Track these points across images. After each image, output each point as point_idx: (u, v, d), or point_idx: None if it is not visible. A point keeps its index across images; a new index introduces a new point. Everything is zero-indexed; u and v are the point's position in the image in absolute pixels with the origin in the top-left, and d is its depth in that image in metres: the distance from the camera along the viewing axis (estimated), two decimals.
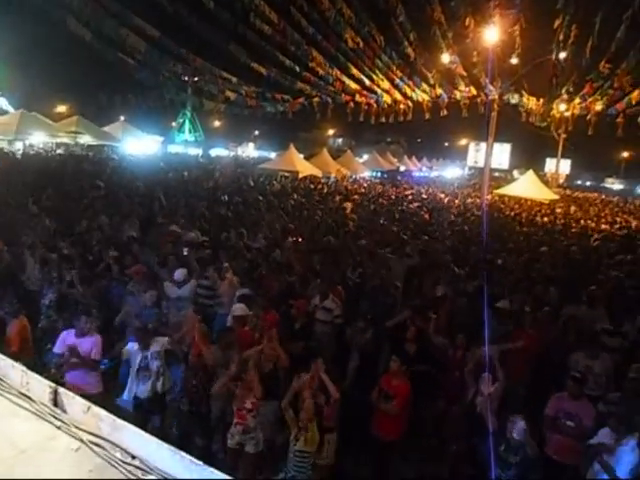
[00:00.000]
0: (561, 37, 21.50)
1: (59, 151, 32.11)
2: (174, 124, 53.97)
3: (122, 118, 39.05)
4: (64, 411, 2.09)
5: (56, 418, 2.03)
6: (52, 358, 5.86)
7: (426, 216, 19.15)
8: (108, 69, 29.33)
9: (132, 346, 5.76)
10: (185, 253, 9.03)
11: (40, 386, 2.17)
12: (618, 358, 6.38)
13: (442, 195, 31.01)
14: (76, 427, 1.99)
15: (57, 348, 5.66)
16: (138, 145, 36.34)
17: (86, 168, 22.81)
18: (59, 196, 13.88)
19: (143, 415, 5.60)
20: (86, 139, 31.93)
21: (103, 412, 2.02)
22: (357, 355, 6.26)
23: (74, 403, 2.11)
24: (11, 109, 36.28)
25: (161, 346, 5.74)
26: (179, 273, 7.52)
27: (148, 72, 23.97)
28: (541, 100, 27.05)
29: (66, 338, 5.67)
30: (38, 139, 30.55)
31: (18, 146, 29.05)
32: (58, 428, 1.99)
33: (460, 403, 5.58)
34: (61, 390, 2.14)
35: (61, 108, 40.89)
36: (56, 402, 2.13)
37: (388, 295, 8.09)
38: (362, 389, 5.62)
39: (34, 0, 17.81)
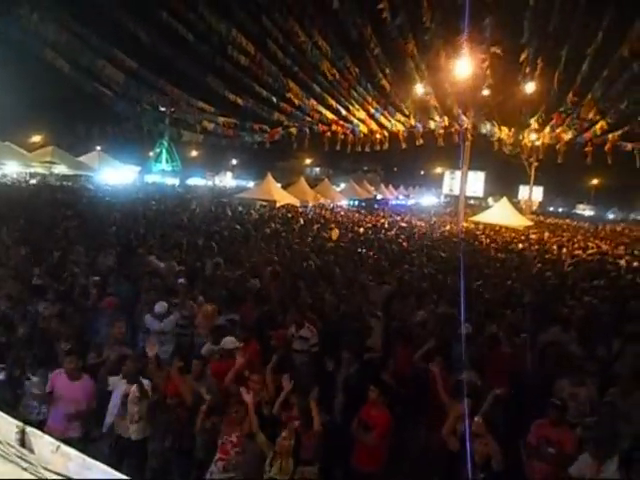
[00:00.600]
0: (527, 70, 22.33)
1: (32, 181, 31.74)
2: (151, 154, 53.91)
3: (98, 148, 38.92)
4: (31, 451, 2.02)
5: (22, 459, 1.95)
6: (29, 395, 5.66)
7: (404, 244, 19.32)
8: (85, 99, 29.27)
9: (117, 379, 5.59)
10: (181, 281, 8.84)
11: (7, 425, 2.09)
12: (595, 382, 6.42)
13: (419, 223, 31.37)
14: (43, 468, 1.92)
15: (47, 387, 5.45)
16: (115, 175, 36.14)
17: (60, 198, 22.53)
18: (32, 226, 13.64)
19: (118, 454, 5.40)
20: (61, 169, 31.67)
21: (72, 451, 1.95)
22: (342, 389, 6.11)
23: (42, 442, 2.03)
24: None
25: (144, 392, 5.45)
26: (160, 306, 7.38)
27: (126, 103, 23.97)
28: (512, 130, 27.84)
29: (56, 379, 5.43)
30: (11, 169, 30.17)
31: None
32: (24, 469, 1.92)
33: (441, 430, 5.51)
34: (29, 429, 2.07)
35: (36, 138, 40.61)
36: (23, 442, 2.05)
37: (364, 322, 8.07)
38: (346, 421, 5.53)
39: (10, 31, 17.76)
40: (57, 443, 2.02)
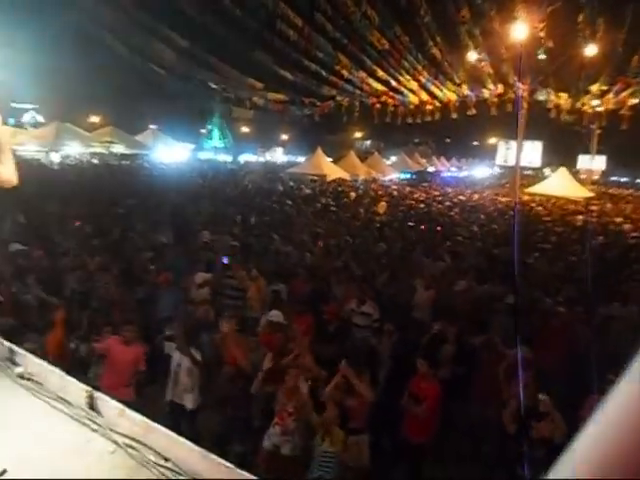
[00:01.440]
0: (587, 32, 21.08)
1: (95, 161, 32.99)
2: (203, 131, 54.78)
3: (153, 126, 39.86)
4: (99, 414, 2.17)
5: (92, 421, 2.11)
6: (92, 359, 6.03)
7: (456, 217, 18.97)
8: (140, 80, 30.00)
9: (171, 346, 5.90)
10: (225, 262, 9.08)
11: (76, 390, 2.25)
12: None
13: (473, 195, 30.59)
14: (111, 430, 2.06)
15: (100, 349, 5.79)
16: (169, 153, 36.99)
17: (120, 177, 23.36)
18: (93, 205, 14.27)
19: (174, 420, 5.63)
20: (119, 148, 32.70)
21: (137, 415, 2.09)
22: (388, 359, 6.21)
23: (109, 406, 2.18)
24: (42, 120, 37.47)
25: (197, 363, 5.71)
26: (199, 277, 7.62)
27: (178, 81, 24.43)
28: (571, 96, 26.48)
29: (111, 344, 5.78)
30: (73, 150, 31.42)
31: (53, 157, 29.94)
32: (94, 431, 2.07)
33: (494, 405, 5.48)
34: (96, 394, 2.22)
35: (94, 118, 42.00)
36: (92, 405, 2.21)
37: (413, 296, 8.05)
38: (394, 393, 5.58)
39: (68, 16, 18.36)
40: (122, 407, 2.17)
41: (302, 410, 4.98)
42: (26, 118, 38.37)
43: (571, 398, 5.36)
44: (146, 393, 6.09)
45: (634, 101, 24.99)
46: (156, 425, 2.01)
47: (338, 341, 6.52)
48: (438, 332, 6.60)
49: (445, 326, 6.68)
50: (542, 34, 22.05)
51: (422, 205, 22.38)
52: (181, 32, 22.05)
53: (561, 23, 22.00)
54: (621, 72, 23.59)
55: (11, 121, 30.55)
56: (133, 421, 2.07)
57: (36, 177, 17.07)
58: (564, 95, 26.48)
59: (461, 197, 29.10)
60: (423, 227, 15.28)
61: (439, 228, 15.26)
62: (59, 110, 34.16)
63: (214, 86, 31.60)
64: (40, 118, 38.40)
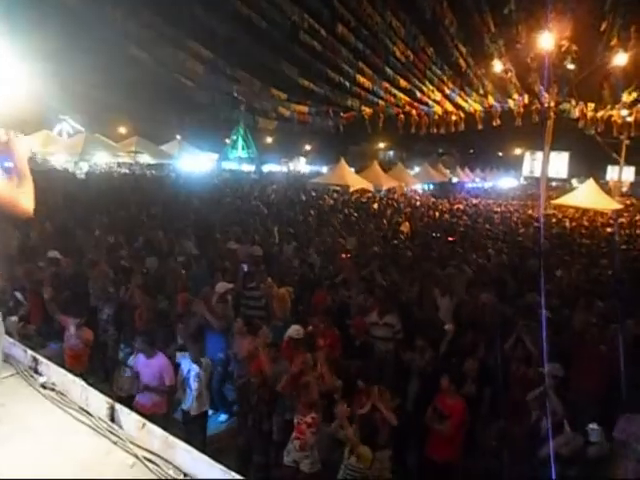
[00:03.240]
0: (613, 42, 20.80)
1: (124, 170, 33.62)
2: (228, 141, 55.40)
3: (178, 137, 40.49)
4: (120, 427, 2.15)
5: (113, 433, 2.09)
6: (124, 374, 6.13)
7: (480, 229, 18.70)
8: (166, 91, 30.54)
9: (183, 355, 5.94)
10: (245, 269, 9.09)
11: (98, 401, 2.24)
12: None
13: (498, 208, 30.17)
14: (131, 443, 2.04)
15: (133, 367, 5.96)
16: (194, 162, 37.49)
17: (145, 186, 23.72)
18: (119, 214, 14.49)
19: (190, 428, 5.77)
20: (145, 158, 33.28)
21: (157, 429, 2.07)
22: (417, 378, 6.09)
23: (130, 419, 2.17)
24: (79, 127, 38.45)
25: (204, 368, 5.84)
26: (221, 286, 7.65)
27: (203, 92, 24.75)
28: (599, 106, 26.06)
29: (137, 358, 5.91)
30: (101, 159, 32.07)
31: (82, 166, 30.62)
32: (114, 443, 2.05)
33: (523, 424, 5.33)
34: (117, 406, 2.21)
35: (122, 129, 42.87)
36: (113, 417, 2.20)
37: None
38: (421, 410, 5.47)
39: (97, 29, 18.82)
40: (143, 420, 2.15)
41: (323, 422, 4.94)
42: (59, 128, 39.38)
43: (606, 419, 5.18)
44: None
45: None
46: (176, 440, 1.98)
47: (364, 356, 6.43)
48: (465, 345, 6.47)
49: (475, 338, 6.55)
50: (569, 43, 21.82)
51: (447, 216, 22.15)
52: (207, 45, 22.40)
53: (588, 32, 21.76)
54: None
55: (45, 132, 31.31)
56: (153, 435, 2.05)
57: (63, 185, 17.47)
58: (591, 105, 26.05)
59: (485, 208, 28.75)
60: (450, 239, 15.11)
61: (451, 239, 15.04)
62: (90, 121, 34.98)
63: (239, 97, 32.00)
64: (75, 127, 39.37)
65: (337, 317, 7.27)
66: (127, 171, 33.05)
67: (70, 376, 2.41)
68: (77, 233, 11.21)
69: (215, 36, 21.69)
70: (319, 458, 5.05)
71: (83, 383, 2.35)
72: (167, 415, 5.85)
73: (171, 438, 2.01)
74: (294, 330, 6.24)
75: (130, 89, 35.65)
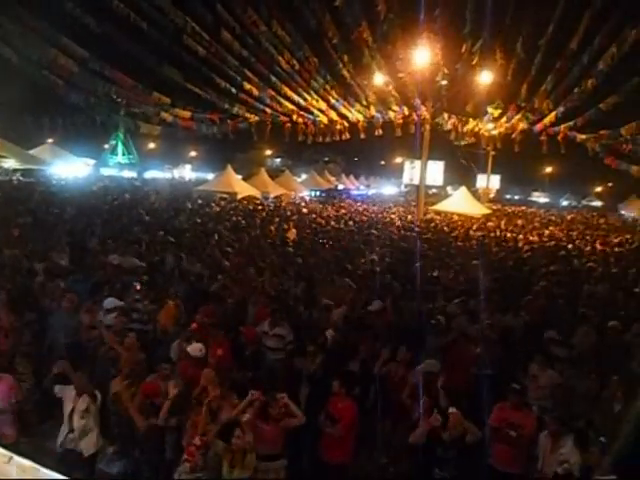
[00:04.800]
0: (476, 61, 22.93)
1: None
2: (107, 146, 52.45)
3: (50, 140, 37.56)
4: None
5: None
6: None
7: (364, 234, 19.39)
8: (35, 90, 28.11)
9: (62, 388, 5.22)
10: (138, 287, 8.44)
11: None
12: (564, 368, 6.59)
13: (380, 214, 31.51)
14: None
15: None
16: (68, 168, 34.97)
17: (13, 195, 21.62)
18: None
19: (67, 467, 4.94)
20: (11, 163, 30.34)
21: (27, 462, 1.87)
22: (308, 381, 6.13)
23: None
24: None
25: (88, 403, 5.08)
26: (109, 302, 7.18)
27: (78, 94, 23.13)
28: (468, 120, 28.39)
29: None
30: None
31: None
32: None
33: (406, 423, 5.57)
34: None
35: None
36: None
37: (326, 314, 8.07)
38: (313, 414, 5.50)
39: None
40: (9, 454, 1.93)
41: (210, 443, 4.80)
42: None
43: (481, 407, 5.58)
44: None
45: (523, 126, 27.28)
46: (48, 471, 1.81)
47: (255, 365, 6.36)
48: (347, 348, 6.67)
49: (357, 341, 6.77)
50: (440, 61, 23.61)
51: (333, 223, 22.68)
52: (81, 42, 21.05)
53: (455, 52, 23.73)
54: (512, 99, 25.77)
55: None
56: (22, 468, 1.85)
57: None
58: (462, 118, 28.29)
59: (369, 214, 29.93)
60: (330, 245, 15.46)
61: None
62: None
63: (118, 100, 30.40)
64: None
65: (230, 327, 7.12)
66: None
67: None
68: None
69: (90, 34, 20.46)
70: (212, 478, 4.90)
71: None
72: (16, 443, 5.04)
73: (43, 470, 1.83)
74: (197, 349, 5.84)
75: None
